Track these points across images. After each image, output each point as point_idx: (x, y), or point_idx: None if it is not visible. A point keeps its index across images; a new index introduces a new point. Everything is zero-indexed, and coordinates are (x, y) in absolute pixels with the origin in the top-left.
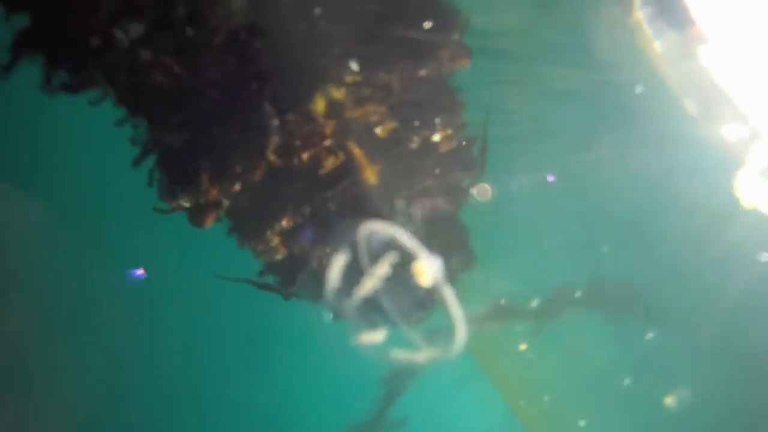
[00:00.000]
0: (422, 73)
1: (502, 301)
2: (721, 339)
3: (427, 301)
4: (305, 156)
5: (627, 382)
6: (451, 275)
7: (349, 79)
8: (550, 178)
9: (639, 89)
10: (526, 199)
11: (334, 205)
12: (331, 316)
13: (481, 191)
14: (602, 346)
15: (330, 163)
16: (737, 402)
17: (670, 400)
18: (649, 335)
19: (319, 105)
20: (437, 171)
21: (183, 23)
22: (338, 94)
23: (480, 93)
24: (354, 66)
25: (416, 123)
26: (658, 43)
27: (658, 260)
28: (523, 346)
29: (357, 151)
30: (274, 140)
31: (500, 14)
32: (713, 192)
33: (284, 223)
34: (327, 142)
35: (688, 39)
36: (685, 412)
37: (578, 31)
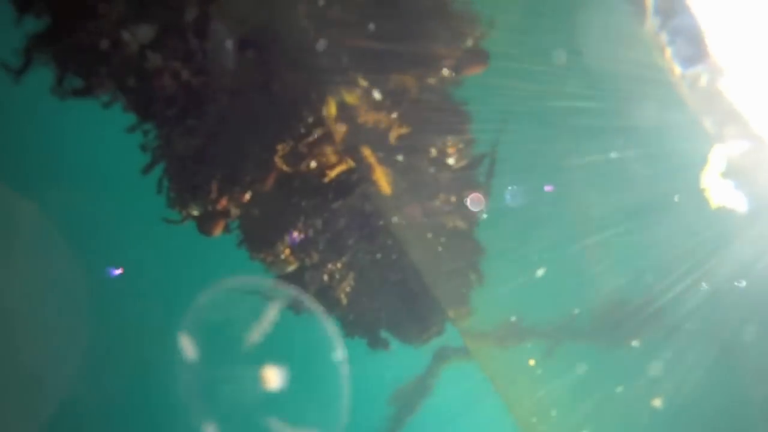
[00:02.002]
0: (432, 80)
1: (513, 319)
2: (729, 352)
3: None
4: (315, 163)
5: (631, 396)
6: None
7: (360, 84)
8: (548, 188)
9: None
10: (526, 213)
11: (345, 217)
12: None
13: (474, 201)
14: (609, 363)
15: (340, 169)
16: (742, 412)
17: (675, 414)
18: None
19: (331, 109)
20: (448, 188)
21: (192, 29)
22: (351, 98)
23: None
24: (364, 72)
25: (427, 133)
26: (675, 63)
27: (668, 277)
28: (532, 362)
29: (369, 156)
30: (284, 146)
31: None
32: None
33: (295, 234)
34: (338, 148)
35: (705, 65)
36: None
37: (583, 42)
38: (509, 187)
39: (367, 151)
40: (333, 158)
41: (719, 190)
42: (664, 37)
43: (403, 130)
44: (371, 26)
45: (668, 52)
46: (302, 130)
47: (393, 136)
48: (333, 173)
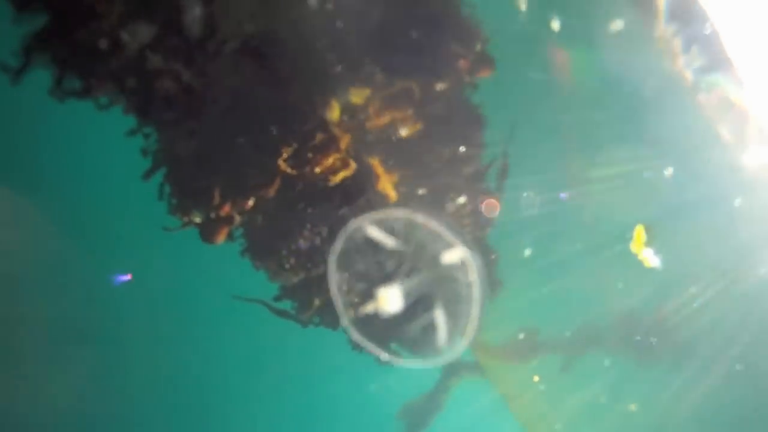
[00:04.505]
0: (442, 83)
1: (522, 336)
2: (746, 371)
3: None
4: (319, 168)
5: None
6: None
7: (366, 86)
8: (562, 196)
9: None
10: (541, 224)
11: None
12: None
13: (489, 207)
14: (624, 381)
15: (344, 174)
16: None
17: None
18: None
19: (334, 112)
20: (460, 191)
21: (194, 28)
22: (357, 99)
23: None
24: (371, 73)
25: (437, 136)
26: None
27: (684, 291)
28: (536, 378)
29: (374, 162)
30: (288, 150)
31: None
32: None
33: (301, 242)
34: (342, 152)
35: (720, 72)
36: None
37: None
38: (524, 194)
39: (372, 157)
40: (338, 162)
41: (649, 257)
42: (678, 43)
43: (414, 129)
44: (378, 26)
45: (682, 59)
46: (306, 134)
47: (402, 135)
48: (338, 177)
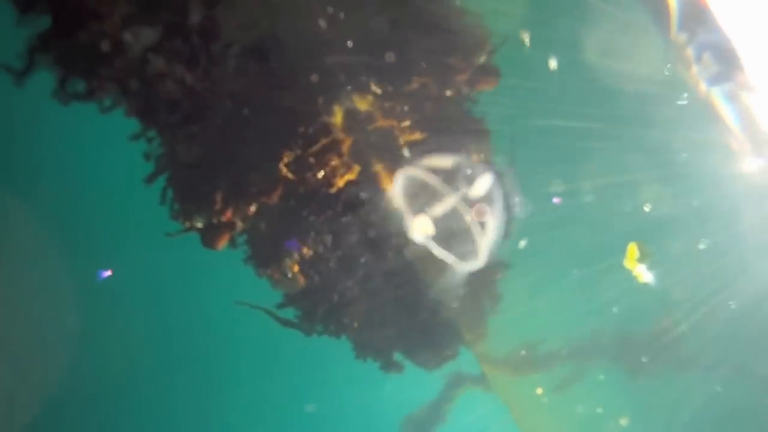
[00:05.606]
0: (447, 92)
1: (523, 352)
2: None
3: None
4: (322, 173)
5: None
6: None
7: (370, 91)
8: (556, 200)
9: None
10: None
11: (356, 233)
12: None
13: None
14: (626, 395)
15: (347, 178)
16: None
17: None
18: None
19: (337, 117)
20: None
21: (198, 32)
22: (362, 104)
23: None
24: (374, 79)
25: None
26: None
27: (685, 303)
28: (540, 391)
29: (378, 166)
30: (289, 155)
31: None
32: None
33: (304, 250)
34: (344, 156)
35: (732, 82)
36: None
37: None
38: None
39: (376, 162)
40: (340, 168)
41: (643, 273)
42: (690, 52)
43: (416, 137)
44: (384, 37)
45: (694, 68)
46: (309, 139)
47: (404, 141)
48: (341, 182)
